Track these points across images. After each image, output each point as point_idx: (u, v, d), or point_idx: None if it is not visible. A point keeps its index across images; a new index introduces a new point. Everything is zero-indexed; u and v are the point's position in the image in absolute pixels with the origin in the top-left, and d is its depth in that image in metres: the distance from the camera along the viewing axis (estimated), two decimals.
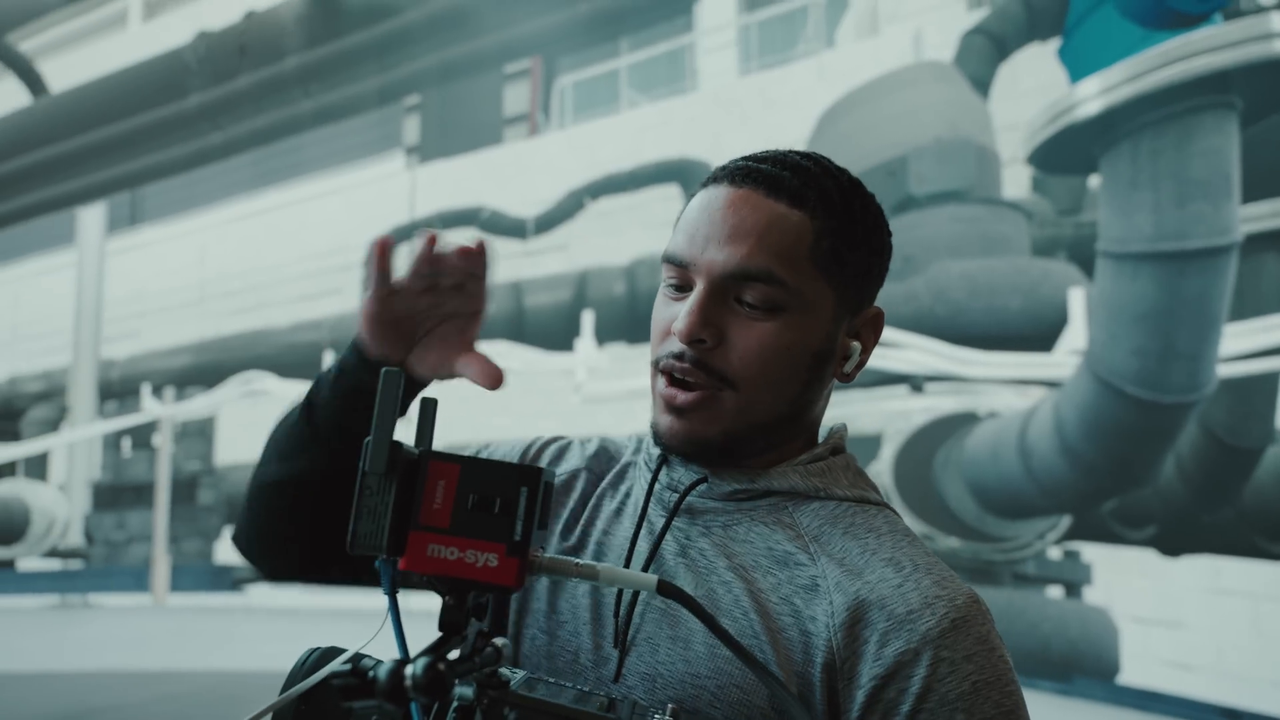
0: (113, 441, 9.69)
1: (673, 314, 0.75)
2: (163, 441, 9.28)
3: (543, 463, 0.87)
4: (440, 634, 0.57)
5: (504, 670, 0.63)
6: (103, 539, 9.50)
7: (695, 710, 0.70)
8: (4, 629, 8.70)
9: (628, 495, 0.83)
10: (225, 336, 8.95)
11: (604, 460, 0.87)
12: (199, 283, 9.18)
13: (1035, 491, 5.09)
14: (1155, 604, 4.64)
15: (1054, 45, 5.21)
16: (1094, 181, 5.06)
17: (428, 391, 0.76)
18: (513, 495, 0.56)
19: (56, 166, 9.86)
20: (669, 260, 0.77)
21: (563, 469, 0.88)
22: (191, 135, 9.33)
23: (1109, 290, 4.81)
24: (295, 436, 0.76)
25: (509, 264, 7.54)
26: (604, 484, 0.85)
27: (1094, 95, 4.88)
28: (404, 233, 8.28)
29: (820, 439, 0.81)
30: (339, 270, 8.42)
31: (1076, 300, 5.02)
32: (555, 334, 7.19)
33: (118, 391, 9.65)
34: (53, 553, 9.66)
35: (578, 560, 0.62)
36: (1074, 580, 5.02)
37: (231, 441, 9.00)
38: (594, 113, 7.76)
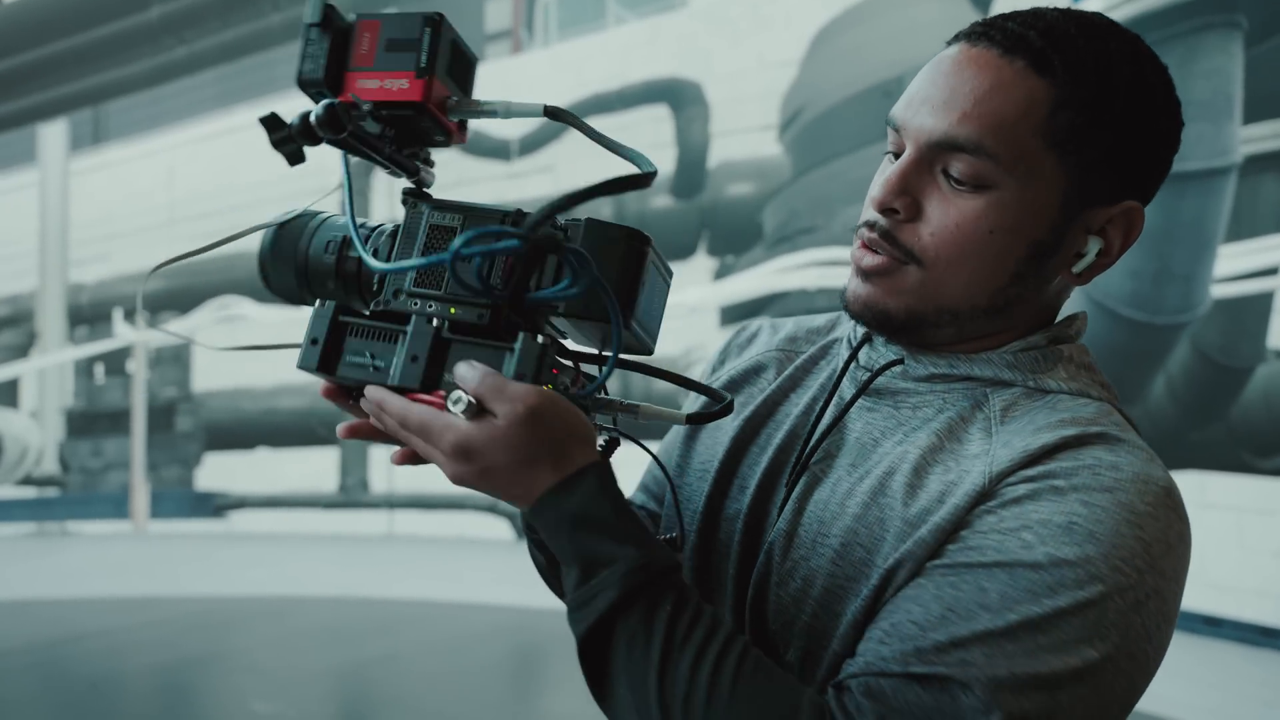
0: (85, 368, 9.50)
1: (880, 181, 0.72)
2: (137, 368, 9.11)
3: (737, 360, 0.90)
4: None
5: None
6: (79, 466, 9.37)
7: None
8: None
9: (824, 371, 0.83)
10: (199, 260, 8.73)
11: (799, 342, 0.88)
12: (169, 204, 8.88)
13: None
14: None
15: None
16: None
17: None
18: (418, 35, 0.67)
19: (13, 80, 9.45)
20: (888, 123, 0.71)
21: (750, 354, 0.89)
22: (154, 49, 8.97)
23: None
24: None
25: (492, 186, 7.39)
26: (797, 364, 0.85)
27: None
28: None
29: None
30: (316, 192, 8.17)
31: None
32: None
33: (88, 317, 9.41)
34: (27, 480, 9.53)
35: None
36: None
37: (208, 368, 8.84)
38: (580, 30, 7.55)
